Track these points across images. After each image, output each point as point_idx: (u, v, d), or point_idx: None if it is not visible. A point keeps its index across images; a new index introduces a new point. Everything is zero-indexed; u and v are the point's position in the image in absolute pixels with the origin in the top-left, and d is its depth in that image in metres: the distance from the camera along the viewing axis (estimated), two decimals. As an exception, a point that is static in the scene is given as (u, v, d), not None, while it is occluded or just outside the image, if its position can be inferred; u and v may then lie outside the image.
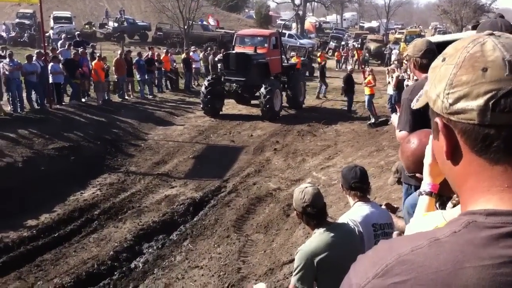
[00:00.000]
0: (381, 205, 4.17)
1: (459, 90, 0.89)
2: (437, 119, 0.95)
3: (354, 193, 3.91)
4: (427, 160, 1.89)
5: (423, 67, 3.95)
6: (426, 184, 1.96)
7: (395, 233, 1.56)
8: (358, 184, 3.87)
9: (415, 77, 4.64)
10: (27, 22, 38.09)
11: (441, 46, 1.04)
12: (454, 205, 1.99)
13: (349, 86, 19.35)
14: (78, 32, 31.91)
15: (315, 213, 3.53)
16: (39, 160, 12.72)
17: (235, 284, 7.50)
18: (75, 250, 8.88)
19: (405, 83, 14.51)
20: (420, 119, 3.99)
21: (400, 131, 4.10)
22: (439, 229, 0.88)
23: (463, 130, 0.90)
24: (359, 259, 0.93)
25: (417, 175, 2.24)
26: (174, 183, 12.35)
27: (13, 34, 35.64)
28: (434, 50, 3.97)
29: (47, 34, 29.39)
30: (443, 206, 2.05)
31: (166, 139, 16.38)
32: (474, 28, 6.22)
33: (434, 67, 0.97)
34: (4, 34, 34.90)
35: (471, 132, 0.89)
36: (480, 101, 0.86)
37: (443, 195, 1.97)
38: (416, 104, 1.20)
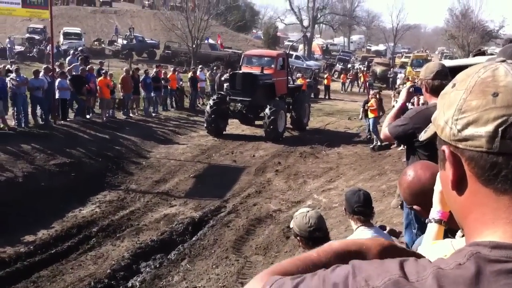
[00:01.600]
0: (384, 230, 4.09)
1: (468, 115, 0.85)
2: (444, 147, 0.91)
3: (357, 217, 3.83)
4: (437, 188, 1.86)
5: (435, 90, 3.91)
6: (436, 211, 1.94)
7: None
8: (361, 208, 3.79)
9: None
10: (37, 37, 38.43)
11: (454, 71, 0.98)
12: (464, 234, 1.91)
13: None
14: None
15: (323, 236, 3.47)
16: (40, 175, 12.71)
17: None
18: (72, 267, 8.82)
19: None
20: (409, 141, 4.01)
21: (388, 130, 4.16)
22: (444, 260, 0.85)
23: (470, 158, 0.86)
24: (362, 264, 0.89)
25: (414, 207, 2.22)
26: (174, 202, 12.28)
27: (22, 49, 35.83)
28: (447, 73, 3.93)
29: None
30: (451, 234, 1.98)
31: (168, 157, 16.36)
32: (476, 55, 6.18)
33: (443, 93, 0.94)
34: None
35: (479, 160, 0.85)
36: (490, 127, 0.83)
37: (452, 227, 1.91)
38: (423, 135, 1.13)
